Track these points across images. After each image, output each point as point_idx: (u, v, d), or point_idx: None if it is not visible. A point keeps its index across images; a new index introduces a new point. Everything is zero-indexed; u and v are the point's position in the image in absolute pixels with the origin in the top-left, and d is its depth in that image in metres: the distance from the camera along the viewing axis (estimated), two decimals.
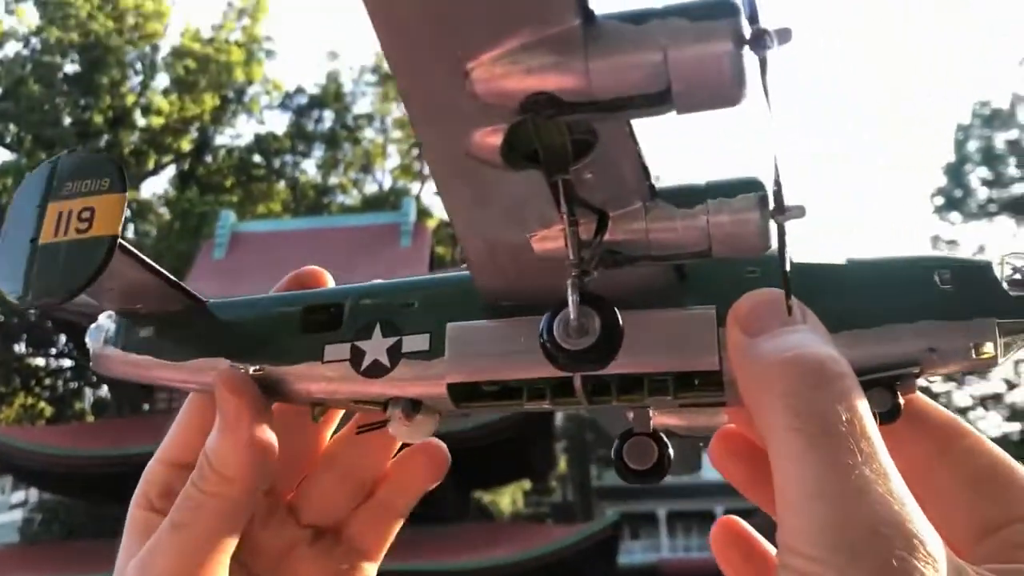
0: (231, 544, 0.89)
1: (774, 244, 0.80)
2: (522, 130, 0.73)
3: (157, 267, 0.93)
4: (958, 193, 27.32)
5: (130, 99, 29.37)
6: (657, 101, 0.68)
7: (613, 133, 0.75)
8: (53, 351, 28.37)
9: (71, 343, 25.66)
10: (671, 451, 0.99)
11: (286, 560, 0.98)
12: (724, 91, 0.67)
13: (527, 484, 30.68)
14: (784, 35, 0.67)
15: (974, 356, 0.87)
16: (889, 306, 0.88)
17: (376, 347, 0.93)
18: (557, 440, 28.49)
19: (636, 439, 0.98)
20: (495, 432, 18.00)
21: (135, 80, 30.22)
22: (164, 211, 29.09)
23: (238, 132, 32.29)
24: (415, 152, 30.67)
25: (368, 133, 33.10)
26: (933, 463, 0.83)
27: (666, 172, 0.87)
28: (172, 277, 0.96)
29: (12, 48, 28.83)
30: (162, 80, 30.21)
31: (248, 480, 0.87)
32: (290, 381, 0.94)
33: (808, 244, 0.91)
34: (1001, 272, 0.90)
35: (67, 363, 28.66)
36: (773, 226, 0.80)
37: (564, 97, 0.68)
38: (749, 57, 0.66)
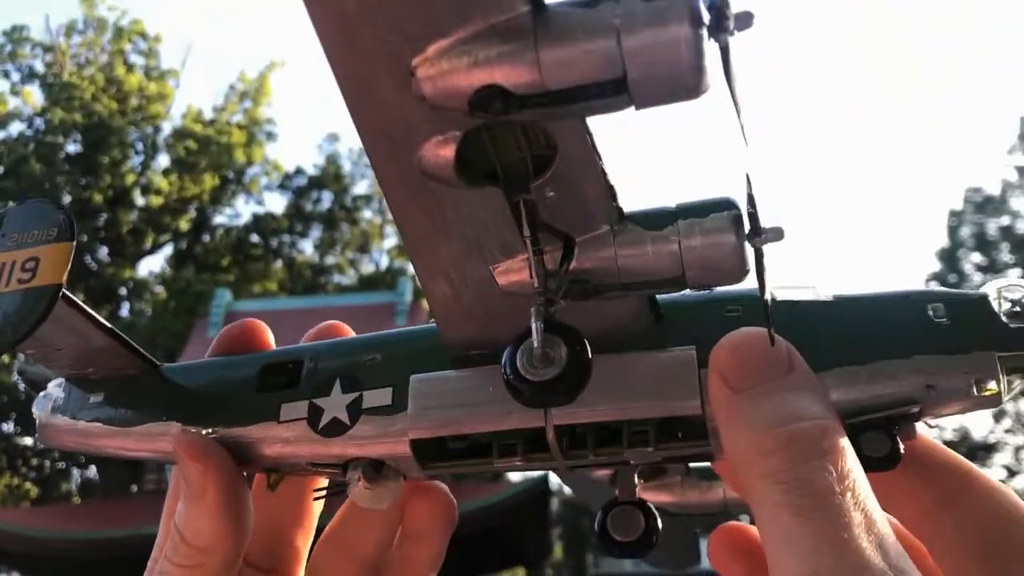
0: None
1: (752, 270, 0.76)
2: (476, 140, 0.68)
3: (103, 321, 0.88)
4: (953, 278, 27.41)
5: (130, 178, 29.63)
6: (613, 91, 0.62)
7: (574, 145, 0.70)
8: None
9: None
10: (659, 522, 0.93)
11: None
12: (683, 79, 0.62)
13: (521, 572, 29.96)
14: (745, 20, 0.62)
15: (975, 393, 0.80)
16: (881, 341, 0.81)
17: (335, 404, 0.87)
18: (552, 527, 27.97)
19: (621, 508, 0.93)
20: (489, 518, 17.62)
21: (136, 160, 30.54)
22: (160, 290, 29.03)
23: (236, 212, 32.34)
24: None
25: (366, 214, 33.34)
26: (941, 512, 0.78)
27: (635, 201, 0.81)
28: (120, 334, 0.91)
29: (16, 128, 29.22)
30: (163, 160, 30.53)
31: (224, 549, 0.82)
32: (244, 444, 0.87)
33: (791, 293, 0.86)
34: (999, 305, 0.84)
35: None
36: (750, 251, 0.75)
37: (515, 90, 0.63)
38: (709, 44, 0.61)
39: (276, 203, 35.80)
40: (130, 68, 30.59)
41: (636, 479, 0.95)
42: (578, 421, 0.80)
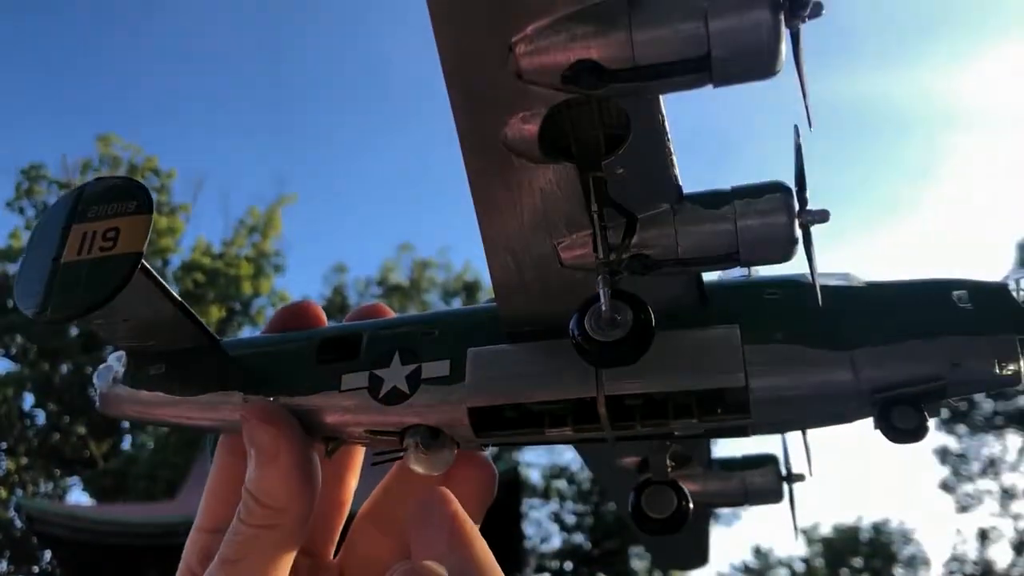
0: (282, 575, 0.84)
1: (800, 250, 0.83)
2: (558, 117, 0.72)
3: (173, 293, 0.90)
4: (963, 406, 27.13)
5: None
6: (695, 68, 0.68)
7: (646, 124, 0.74)
8: (36, 569, 27.26)
9: (55, 559, 24.66)
10: (691, 502, 1.00)
11: None
12: (761, 60, 0.67)
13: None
14: (816, 9, 0.69)
15: (997, 372, 0.86)
16: (910, 323, 0.86)
17: (395, 374, 0.90)
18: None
19: (654, 488, 1.01)
20: None
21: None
22: None
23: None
24: None
25: None
26: None
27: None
28: (187, 307, 0.93)
29: None
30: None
31: (298, 508, 0.83)
32: (306, 412, 0.90)
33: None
34: (1017, 294, 0.90)
35: None
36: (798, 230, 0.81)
37: (607, 65, 0.68)
38: (784, 29, 0.67)
39: None
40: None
41: (668, 460, 1.00)
42: (629, 392, 0.84)
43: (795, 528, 1.35)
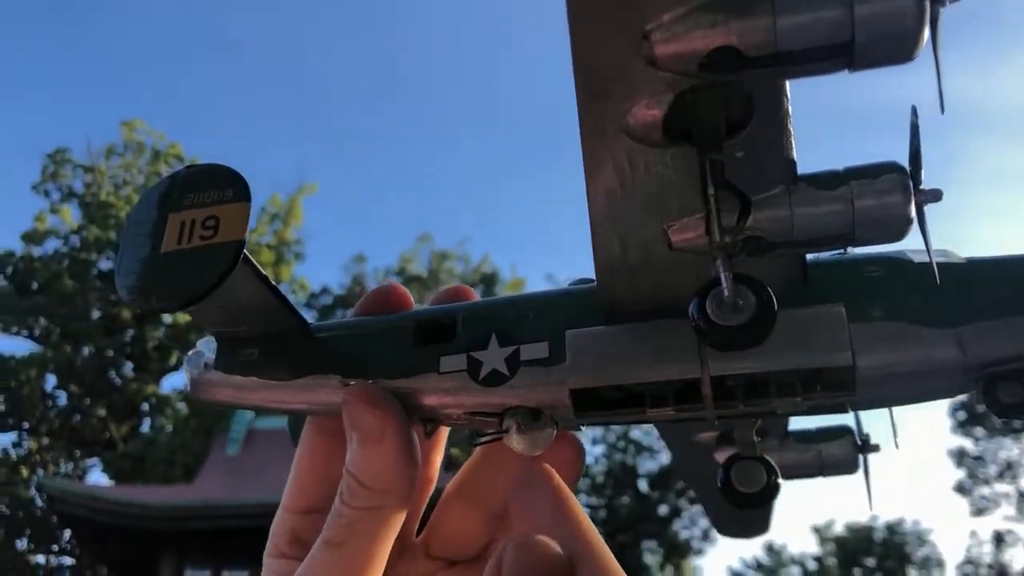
0: (384, 557, 0.85)
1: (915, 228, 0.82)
2: (684, 102, 0.73)
3: (270, 279, 0.91)
4: (981, 408, 26.90)
5: None
6: (836, 54, 0.69)
7: (771, 107, 0.75)
8: (55, 547, 27.57)
9: (75, 539, 24.96)
10: (780, 477, 1.01)
11: None
12: (904, 45, 0.68)
13: None
14: None
15: None
16: (1012, 299, 0.87)
17: (493, 356, 0.91)
18: None
19: (743, 463, 1.01)
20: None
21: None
22: (182, 407, 29.02)
23: None
24: None
25: None
26: None
27: None
28: (282, 292, 0.93)
29: (52, 245, 29.91)
30: None
31: (402, 489, 0.84)
32: (405, 395, 0.91)
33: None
34: None
35: (68, 561, 27.79)
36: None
37: (747, 51, 0.69)
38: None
39: None
40: None
41: (754, 436, 1.00)
42: (733, 372, 0.84)
43: (869, 499, 1.35)
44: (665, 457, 28.89)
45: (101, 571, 25.75)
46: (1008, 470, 27.56)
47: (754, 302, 0.77)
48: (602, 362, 0.87)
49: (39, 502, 26.09)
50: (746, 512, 1.36)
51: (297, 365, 0.95)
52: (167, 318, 30.32)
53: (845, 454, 1.27)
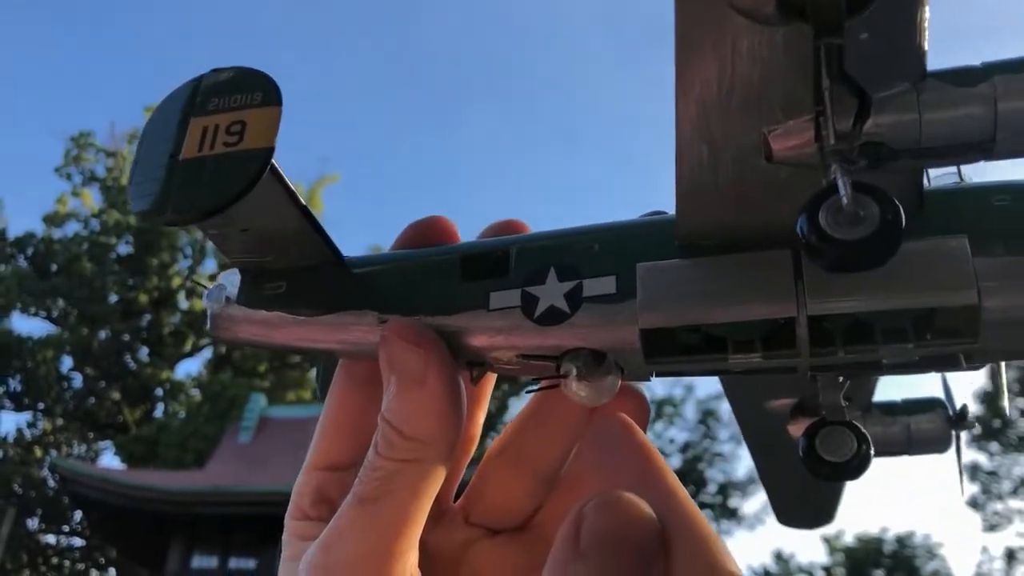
0: (423, 518, 0.74)
1: None
2: None
3: (301, 200, 0.81)
4: (997, 423, 26.73)
5: (176, 281, 30.21)
6: None
7: None
8: (66, 528, 27.81)
9: (86, 520, 25.15)
10: (871, 447, 0.89)
11: (463, 561, 0.84)
12: None
13: None
14: None
15: None
16: None
17: (552, 292, 0.79)
18: None
19: (830, 429, 0.89)
20: None
21: (184, 263, 31.18)
22: (196, 393, 29.19)
23: None
24: None
25: None
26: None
27: None
28: (315, 217, 0.83)
29: (72, 228, 30.14)
30: (210, 264, 31.18)
31: (447, 439, 0.74)
32: (450, 334, 0.80)
33: None
34: None
35: (78, 542, 28.03)
36: None
37: None
38: None
39: None
40: None
41: (842, 400, 0.89)
42: (834, 312, 0.72)
43: (960, 482, 1.23)
44: (674, 462, 28.82)
45: (110, 553, 25.95)
46: (1022, 486, 27.35)
47: (878, 213, 0.64)
48: (679, 298, 0.75)
49: (51, 483, 26.33)
50: (814, 498, 1.24)
51: (329, 300, 0.85)
52: (185, 303, 30.52)
53: (936, 429, 1.12)
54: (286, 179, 0.78)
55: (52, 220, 29.91)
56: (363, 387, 0.82)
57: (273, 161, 0.73)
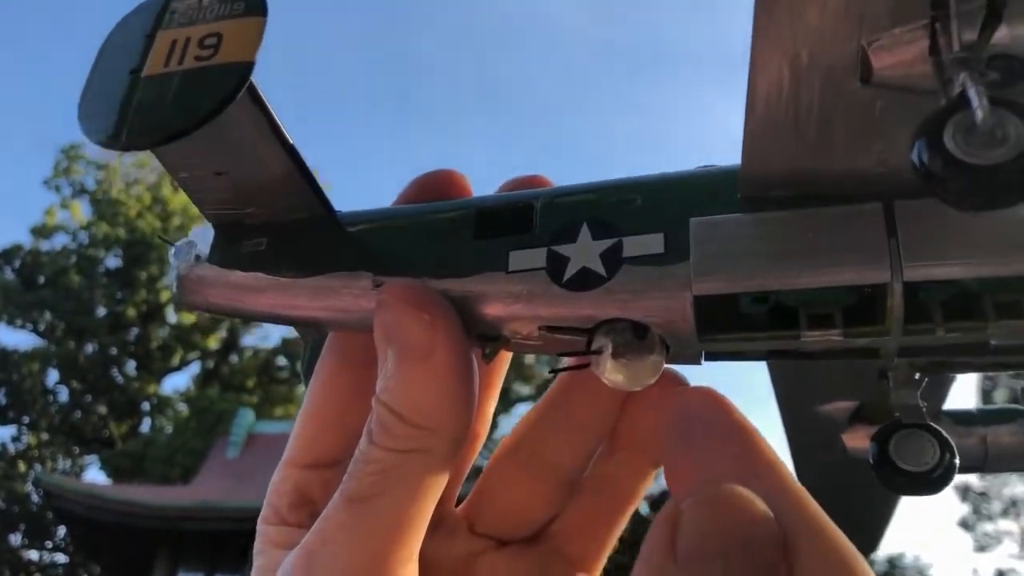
0: (424, 523, 0.61)
1: None
2: None
3: (285, 133, 0.67)
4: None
5: (165, 295, 30.02)
6: None
7: None
8: (50, 544, 27.49)
9: (70, 536, 24.86)
10: (956, 456, 0.74)
11: (466, 575, 0.70)
12: None
13: None
14: None
15: None
16: None
17: (584, 251, 0.64)
18: None
19: (907, 432, 0.74)
20: None
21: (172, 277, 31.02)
22: (183, 408, 28.96)
23: (266, 333, 32.47)
24: None
25: None
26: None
27: None
28: (302, 158, 0.69)
29: (60, 240, 29.97)
30: None
31: (455, 426, 0.60)
32: (460, 300, 0.65)
33: None
34: None
35: (61, 558, 27.69)
36: None
37: None
38: None
39: None
40: (176, 188, 31.49)
41: (920, 400, 0.74)
42: (940, 277, 0.58)
43: None
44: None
45: (94, 570, 25.63)
46: (1013, 507, 27.35)
47: (1021, 133, 0.50)
48: (743, 260, 0.60)
49: (35, 498, 26.03)
50: (859, 520, 1.07)
51: (316, 259, 0.71)
52: (173, 317, 30.34)
53: (1018, 444, 0.95)
54: (269, 107, 0.65)
55: (40, 232, 29.71)
56: (355, 369, 0.70)
57: (254, 82, 0.61)
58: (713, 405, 0.53)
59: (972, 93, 0.51)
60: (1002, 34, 0.54)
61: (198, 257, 0.75)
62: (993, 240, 0.57)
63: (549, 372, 0.72)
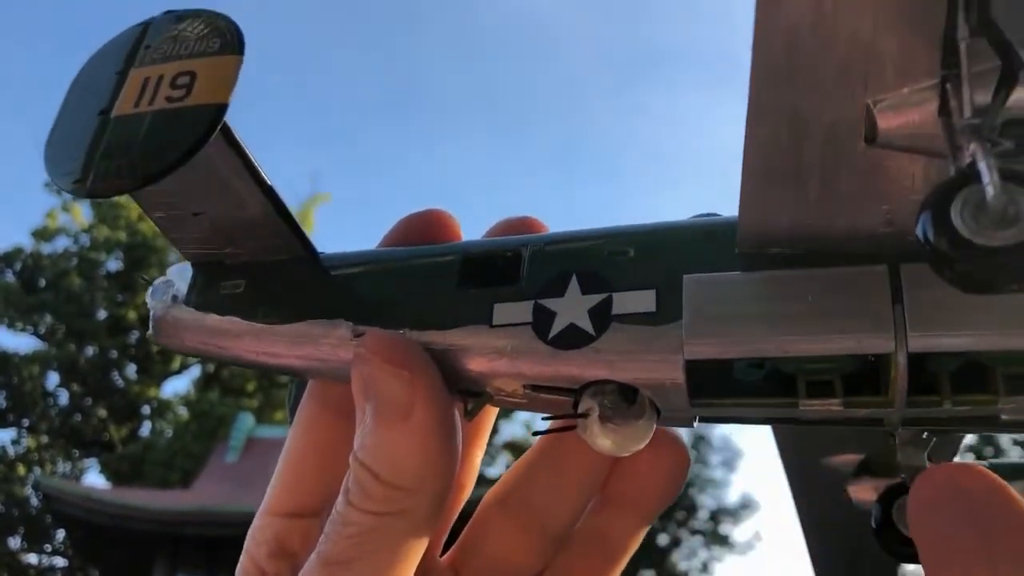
0: None
1: None
2: None
3: (264, 175, 0.65)
4: (989, 451, 26.70)
5: None
6: None
7: None
8: (49, 547, 27.45)
9: (69, 539, 24.83)
10: None
11: None
12: None
13: None
14: None
15: None
16: None
17: (572, 306, 0.62)
18: None
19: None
20: None
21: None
22: (183, 412, 28.95)
23: None
24: None
25: None
26: None
27: None
28: (281, 199, 0.67)
29: (61, 243, 29.99)
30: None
31: (435, 487, 0.58)
32: (441, 354, 0.63)
33: None
34: None
35: (60, 561, 27.65)
36: None
37: None
38: None
39: None
40: None
41: (927, 462, 0.70)
42: (947, 348, 0.55)
43: None
44: None
45: (93, 573, 25.60)
46: None
47: None
48: (738, 322, 0.58)
49: (35, 501, 26.01)
50: (864, 572, 1.05)
51: (295, 305, 0.69)
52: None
53: None
54: (245, 149, 0.64)
55: (41, 235, 29.73)
56: (336, 415, 0.68)
57: (228, 123, 0.59)
58: (983, 486, 0.49)
59: (983, 167, 0.47)
60: (1018, 97, 0.50)
61: (175, 297, 0.74)
62: (1006, 310, 0.54)
63: (533, 435, 0.69)
